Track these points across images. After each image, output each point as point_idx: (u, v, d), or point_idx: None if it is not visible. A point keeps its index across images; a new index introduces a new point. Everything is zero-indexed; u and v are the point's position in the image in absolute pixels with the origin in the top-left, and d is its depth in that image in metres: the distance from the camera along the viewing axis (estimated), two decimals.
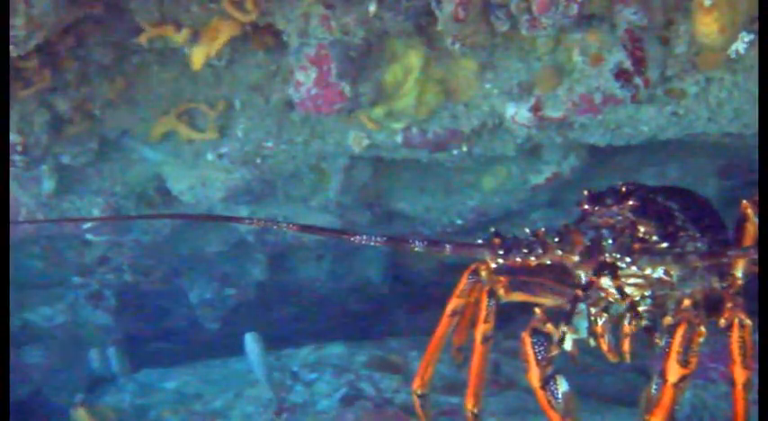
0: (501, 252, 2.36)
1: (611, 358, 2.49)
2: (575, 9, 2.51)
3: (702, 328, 2.44)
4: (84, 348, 4.26)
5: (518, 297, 2.71)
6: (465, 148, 3.21)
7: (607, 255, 2.33)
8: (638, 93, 2.80)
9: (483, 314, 2.69)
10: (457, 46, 2.69)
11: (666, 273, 2.47)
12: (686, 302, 2.46)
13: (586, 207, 2.53)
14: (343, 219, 3.93)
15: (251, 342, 3.60)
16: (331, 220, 3.97)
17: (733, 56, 2.70)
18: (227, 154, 3.43)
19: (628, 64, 2.74)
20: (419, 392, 2.92)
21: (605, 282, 2.39)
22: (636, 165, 3.76)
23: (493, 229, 2.42)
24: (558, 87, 2.88)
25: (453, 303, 2.80)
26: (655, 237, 2.44)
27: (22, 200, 3.55)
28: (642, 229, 2.44)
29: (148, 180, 3.71)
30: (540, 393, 2.57)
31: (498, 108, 3.01)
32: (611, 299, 2.45)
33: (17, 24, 2.52)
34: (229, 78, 3.21)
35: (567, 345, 2.54)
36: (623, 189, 2.57)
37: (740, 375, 2.43)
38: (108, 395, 4.02)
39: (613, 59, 2.76)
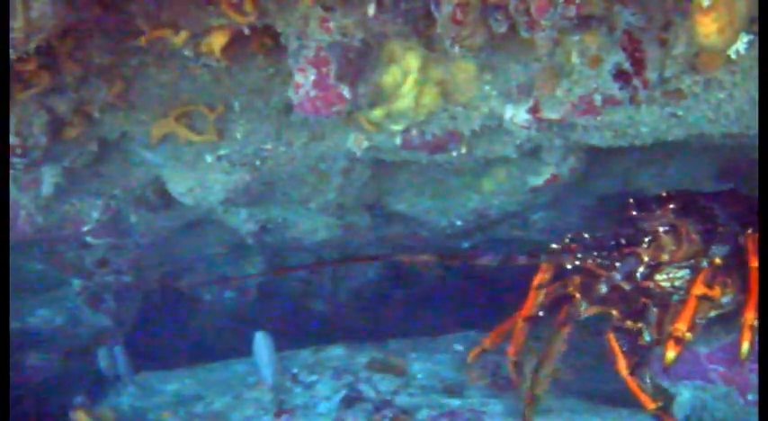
0: (579, 255, 2.83)
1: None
2: (573, 10, 2.50)
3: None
4: (84, 350, 4.26)
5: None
6: (464, 150, 3.21)
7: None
8: (638, 94, 2.80)
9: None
10: (455, 48, 2.68)
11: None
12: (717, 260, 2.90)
13: (633, 213, 2.98)
14: (342, 221, 3.93)
15: (261, 340, 3.59)
16: (330, 222, 3.97)
17: (733, 56, 2.69)
18: (226, 156, 3.43)
19: (627, 65, 2.74)
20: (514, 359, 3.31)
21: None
22: (636, 167, 3.76)
23: (570, 236, 2.90)
24: (557, 89, 2.88)
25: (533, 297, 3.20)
26: (694, 235, 2.90)
27: (21, 202, 3.55)
28: (682, 228, 2.89)
29: (148, 182, 3.71)
30: (629, 380, 2.96)
31: (497, 109, 3.01)
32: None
33: (16, 27, 2.52)
34: (228, 80, 3.21)
35: (646, 337, 2.95)
36: (665, 195, 3.04)
37: None
38: (108, 397, 4.02)
39: (612, 61, 2.75)
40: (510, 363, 3.36)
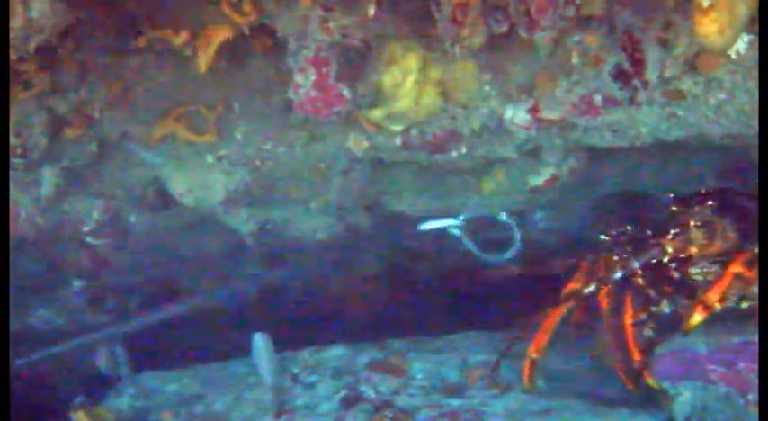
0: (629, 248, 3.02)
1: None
2: (573, 11, 2.50)
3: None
4: (84, 351, 4.26)
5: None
6: (464, 150, 3.21)
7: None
8: (638, 94, 2.80)
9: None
10: (455, 48, 2.68)
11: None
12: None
13: (674, 208, 3.10)
14: (342, 221, 3.93)
15: (259, 341, 3.59)
16: (331, 222, 3.97)
17: (734, 57, 2.69)
18: (226, 156, 3.43)
19: (627, 65, 2.74)
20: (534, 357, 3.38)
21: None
22: (636, 167, 3.76)
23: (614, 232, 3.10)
24: (557, 89, 2.88)
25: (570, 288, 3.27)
26: (731, 233, 3.04)
27: (21, 202, 3.55)
28: (717, 225, 3.03)
29: (148, 182, 3.71)
30: (628, 329, 3.12)
31: (497, 110, 3.01)
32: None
33: (16, 26, 2.52)
34: (228, 81, 3.21)
35: (666, 308, 3.14)
36: (705, 192, 3.15)
37: None
38: (108, 397, 4.01)
39: (612, 61, 2.75)
40: (528, 361, 3.38)
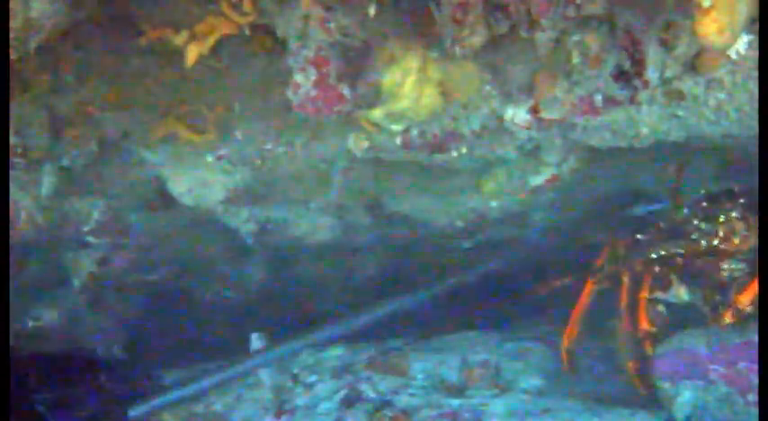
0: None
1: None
2: (573, 11, 2.50)
3: None
4: (84, 351, 4.26)
5: None
6: (465, 150, 3.21)
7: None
8: (638, 94, 2.80)
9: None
10: (456, 48, 2.68)
11: None
12: None
13: (704, 204, 3.18)
14: (342, 221, 3.93)
15: (256, 341, 3.59)
16: (331, 222, 3.97)
17: (734, 57, 2.69)
18: (226, 156, 3.43)
19: (627, 65, 2.74)
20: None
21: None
22: (636, 167, 3.76)
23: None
24: (557, 89, 2.88)
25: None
26: None
27: (21, 202, 3.55)
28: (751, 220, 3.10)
29: (148, 182, 3.71)
30: (642, 301, 3.20)
31: (497, 110, 3.01)
32: None
33: (16, 26, 2.52)
34: (228, 80, 3.21)
35: (685, 296, 3.20)
36: (736, 189, 3.22)
37: None
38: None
39: (612, 61, 2.75)
40: (563, 352, 3.45)
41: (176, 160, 3.51)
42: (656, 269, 3.20)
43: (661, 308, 3.22)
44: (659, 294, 3.21)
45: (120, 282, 4.34)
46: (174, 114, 3.32)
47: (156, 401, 3.75)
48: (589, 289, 3.39)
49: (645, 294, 3.20)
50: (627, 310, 3.22)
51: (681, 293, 3.22)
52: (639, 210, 3.75)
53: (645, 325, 3.17)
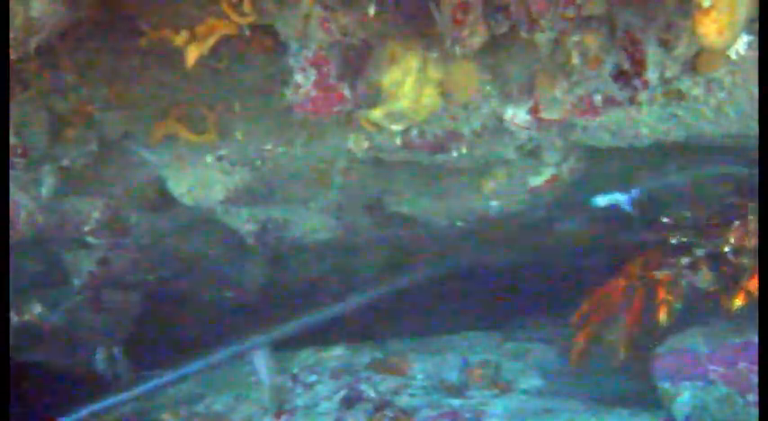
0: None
1: None
2: (573, 11, 2.50)
3: None
4: (84, 351, 4.26)
5: None
6: (465, 150, 3.21)
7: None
8: (638, 94, 2.80)
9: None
10: (456, 48, 2.68)
11: None
12: None
13: (732, 200, 3.25)
14: (342, 221, 3.93)
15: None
16: (331, 222, 3.97)
17: (734, 57, 2.69)
18: (226, 156, 3.43)
19: (627, 65, 2.74)
20: None
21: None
22: (636, 167, 3.76)
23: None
24: (557, 89, 2.88)
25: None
26: None
27: (21, 202, 3.55)
28: None
29: (148, 182, 3.71)
30: (662, 287, 3.23)
31: (497, 110, 3.01)
32: None
33: (15, 27, 2.52)
34: (229, 80, 3.21)
35: (702, 283, 3.21)
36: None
37: None
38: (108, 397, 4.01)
39: (612, 61, 2.75)
40: (575, 351, 3.47)
41: (176, 160, 3.51)
42: (680, 255, 3.26)
43: (684, 283, 3.23)
44: (687, 273, 3.23)
45: (120, 282, 4.34)
46: (174, 114, 3.32)
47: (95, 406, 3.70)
48: (621, 289, 3.41)
49: (664, 277, 3.24)
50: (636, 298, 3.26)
51: (706, 278, 3.23)
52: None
53: (663, 294, 3.19)
